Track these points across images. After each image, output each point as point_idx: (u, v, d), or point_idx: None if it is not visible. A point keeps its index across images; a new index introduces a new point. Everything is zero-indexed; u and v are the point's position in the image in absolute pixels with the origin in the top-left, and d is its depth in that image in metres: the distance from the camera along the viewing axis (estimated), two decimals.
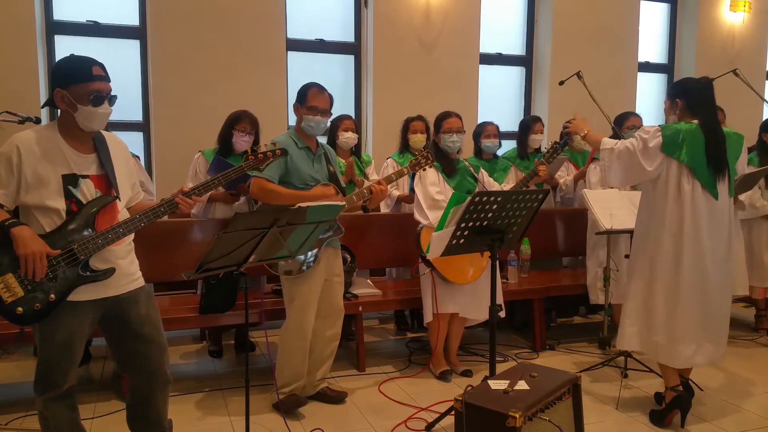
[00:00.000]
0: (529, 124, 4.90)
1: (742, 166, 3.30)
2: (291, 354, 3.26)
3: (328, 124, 3.48)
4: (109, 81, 2.26)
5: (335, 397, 3.43)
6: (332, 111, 3.40)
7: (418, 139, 4.56)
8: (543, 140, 5.00)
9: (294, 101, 3.35)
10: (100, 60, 2.27)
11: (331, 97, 3.36)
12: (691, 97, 3.11)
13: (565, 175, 4.85)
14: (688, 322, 3.05)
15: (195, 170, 4.11)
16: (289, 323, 3.27)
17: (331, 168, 3.41)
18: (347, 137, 4.35)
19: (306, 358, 3.31)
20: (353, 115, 5.86)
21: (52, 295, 2.16)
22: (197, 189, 2.41)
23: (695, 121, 3.08)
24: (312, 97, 3.27)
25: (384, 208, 4.59)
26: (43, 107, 2.42)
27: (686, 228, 3.02)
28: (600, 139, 3.30)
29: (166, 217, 2.61)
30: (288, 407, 3.23)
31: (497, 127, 4.68)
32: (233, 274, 2.54)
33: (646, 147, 3.06)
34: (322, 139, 4.13)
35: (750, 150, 4.81)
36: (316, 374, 3.42)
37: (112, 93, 2.26)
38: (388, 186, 3.41)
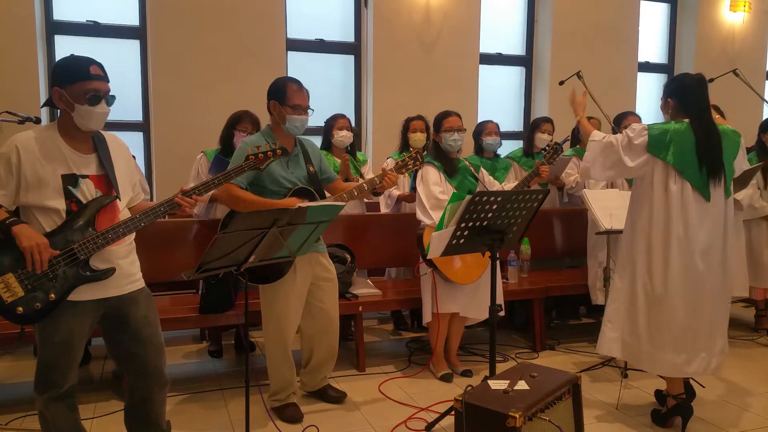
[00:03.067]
0: (539, 123, 4.91)
1: (740, 164, 3.17)
2: (275, 363, 3.20)
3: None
4: (107, 81, 2.26)
5: (335, 397, 3.43)
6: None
7: (418, 138, 4.56)
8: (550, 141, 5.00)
9: (269, 98, 3.13)
10: (100, 60, 2.27)
11: (308, 93, 3.18)
12: (682, 95, 3.02)
13: (574, 172, 4.84)
14: (677, 329, 2.94)
15: (197, 170, 4.12)
16: (269, 330, 3.17)
17: (311, 168, 3.20)
18: (343, 136, 4.35)
19: (292, 363, 3.23)
20: (353, 115, 5.89)
21: (52, 295, 2.17)
22: (197, 188, 2.41)
23: (686, 120, 2.98)
24: (294, 95, 3.08)
25: (384, 208, 4.59)
26: (42, 107, 2.42)
27: (674, 230, 2.92)
28: (591, 131, 3.26)
29: (166, 217, 2.61)
30: (287, 418, 3.18)
31: (497, 125, 4.69)
32: (233, 274, 2.54)
33: (630, 144, 3.00)
34: (318, 139, 4.14)
35: (749, 150, 4.81)
36: (319, 373, 3.40)
37: (111, 93, 2.26)
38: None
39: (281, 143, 2.97)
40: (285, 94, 3.08)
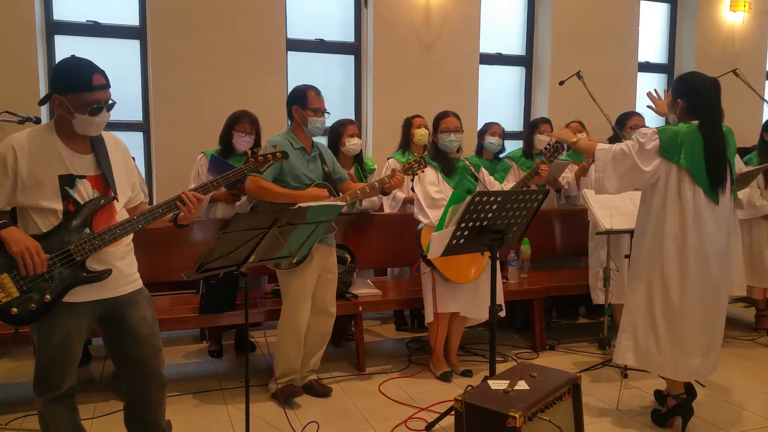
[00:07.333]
0: (537, 124, 4.92)
1: (737, 163, 3.18)
2: (285, 347, 3.39)
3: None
4: (109, 88, 2.23)
5: (321, 391, 3.52)
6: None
7: (422, 133, 4.56)
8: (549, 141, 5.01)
9: (290, 104, 3.43)
10: (100, 60, 2.25)
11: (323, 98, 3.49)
12: (692, 97, 2.95)
13: (567, 173, 4.85)
14: (696, 334, 2.93)
15: (197, 171, 4.12)
16: (283, 317, 3.39)
17: (326, 168, 3.49)
18: (354, 143, 4.20)
19: (300, 351, 3.43)
20: (353, 115, 5.89)
21: (48, 296, 2.15)
22: (196, 191, 2.40)
23: (695, 122, 2.94)
24: (314, 100, 3.38)
25: (388, 209, 4.58)
26: (40, 104, 2.38)
27: (690, 238, 2.88)
28: (594, 145, 3.14)
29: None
30: (284, 397, 3.34)
31: (503, 129, 4.70)
32: (233, 274, 2.54)
33: (643, 149, 2.93)
34: (323, 141, 4.13)
35: (750, 149, 4.81)
36: (306, 366, 3.52)
37: (111, 100, 2.23)
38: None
39: (302, 144, 3.37)
40: (306, 99, 3.38)
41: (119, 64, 5.20)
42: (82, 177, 2.23)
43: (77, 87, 2.16)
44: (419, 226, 3.70)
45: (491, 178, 4.05)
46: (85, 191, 2.24)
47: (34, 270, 2.10)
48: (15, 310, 2.12)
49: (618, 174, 3.00)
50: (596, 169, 3.11)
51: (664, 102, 3.36)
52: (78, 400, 2.44)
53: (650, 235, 3.01)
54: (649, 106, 3.50)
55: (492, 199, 2.78)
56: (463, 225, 2.81)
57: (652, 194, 3.01)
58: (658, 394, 3.30)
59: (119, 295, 2.32)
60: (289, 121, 3.51)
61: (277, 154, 2.67)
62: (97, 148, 2.29)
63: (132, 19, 5.24)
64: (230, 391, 3.59)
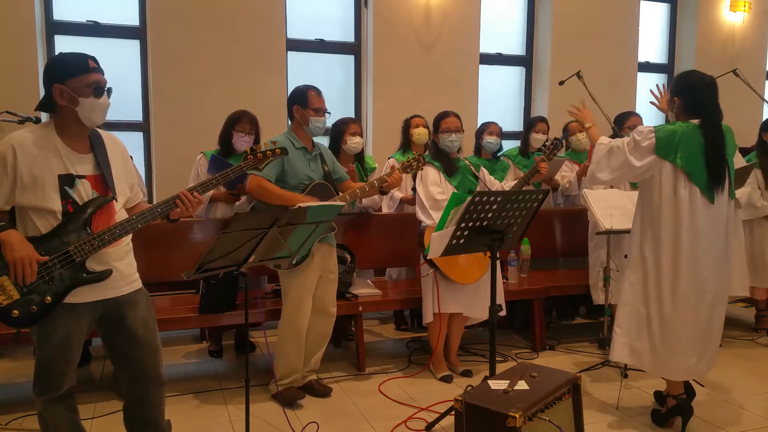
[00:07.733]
0: (533, 123, 4.95)
1: (736, 161, 3.14)
2: (286, 347, 3.38)
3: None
4: (102, 73, 2.25)
5: (321, 391, 3.52)
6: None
7: (422, 132, 4.56)
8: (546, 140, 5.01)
9: (291, 103, 3.43)
10: (100, 60, 2.27)
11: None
12: (690, 96, 2.96)
13: (568, 173, 4.86)
14: (689, 334, 2.93)
15: (197, 171, 4.12)
16: (284, 317, 3.39)
17: (326, 168, 3.50)
18: (356, 142, 4.20)
19: (301, 352, 3.42)
20: (353, 115, 5.89)
21: (48, 298, 2.15)
22: (195, 189, 2.40)
23: (694, 122, 2.94)
24: (315, 100, 3.39)
25: (386, 209, 4.58)
26: (37, 109, 2.37)
27: (684, 235, 2.89)
28: (598, 137, 3.23)
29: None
30: (286, 400, 3.33)
31: (500, 128, 4.71)
32: (233, 274, 2.54)
33: (638, 147, 2.95)
34: (323, 141, 4.12)
35: (750, 149, 4.81)
36: (306, 366, 3.52)
37: (108, 85, 2.25)
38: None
39: (304, 144, 3.41)
40: (307, 99, 3.38)
41: (119, 64, 5.21)
42: (81, 177, 2.22)
43: (75, 71, 2.17)
44: (422, 227, 3.70)
45: (491, 177, 4.05)
46: (84, 191, 2.23)
47: (23, 281, 2.09)
48: (16, 312, 2.12)
49: (611, 167, 3.08)
50: (592, 161, 3.19)
51: (666, 99, 3.38)
52: (78, 400, 2.44)
53: (646, 234, 3.02)
54: (651, 102, 3.51)
55: (492, 199, 2.78)
56: (463, 225, 2.81)
57: (649, 193, 3.02)
58: (658, 395, 3.30)
59: (119, 295, 2.31)
60: (290, 121, 3.51)
61: (276, 150, 2.67)
62: (96, 147, 2.28)
63: (132, 19, 5.24)
64: (230, 391, 3.59)
